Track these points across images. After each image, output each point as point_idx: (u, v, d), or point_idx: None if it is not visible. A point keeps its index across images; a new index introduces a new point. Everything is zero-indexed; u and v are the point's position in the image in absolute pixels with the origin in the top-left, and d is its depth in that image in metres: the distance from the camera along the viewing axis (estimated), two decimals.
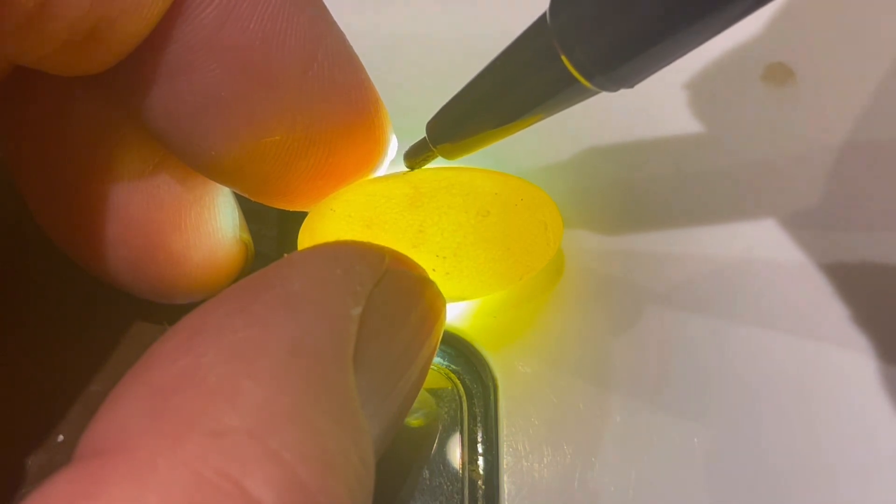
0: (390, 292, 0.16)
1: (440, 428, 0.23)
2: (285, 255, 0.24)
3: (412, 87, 0.27)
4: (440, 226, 0.21)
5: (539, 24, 0.17)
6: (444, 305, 0.19)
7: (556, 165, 0.26)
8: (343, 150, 0.20)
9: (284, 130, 0.19)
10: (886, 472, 0.22)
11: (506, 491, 0.22)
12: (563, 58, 0.16)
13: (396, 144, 0.22)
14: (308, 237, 0.21)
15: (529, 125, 0.19)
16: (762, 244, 0.25)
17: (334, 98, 0.19)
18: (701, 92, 0.27)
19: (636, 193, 0.26)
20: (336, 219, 0.21)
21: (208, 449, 0.12)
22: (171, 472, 0.11)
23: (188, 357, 0.13)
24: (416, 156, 0.21)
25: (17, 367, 0.23)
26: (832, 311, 0.24)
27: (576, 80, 0.17)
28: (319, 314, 0.14)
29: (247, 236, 0.23)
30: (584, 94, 0.17)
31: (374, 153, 0.21)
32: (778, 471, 0.22)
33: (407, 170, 0.22)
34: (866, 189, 0.25)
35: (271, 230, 0.25)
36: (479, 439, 0.23)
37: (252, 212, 0.23)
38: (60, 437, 0.22)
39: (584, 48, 0.16)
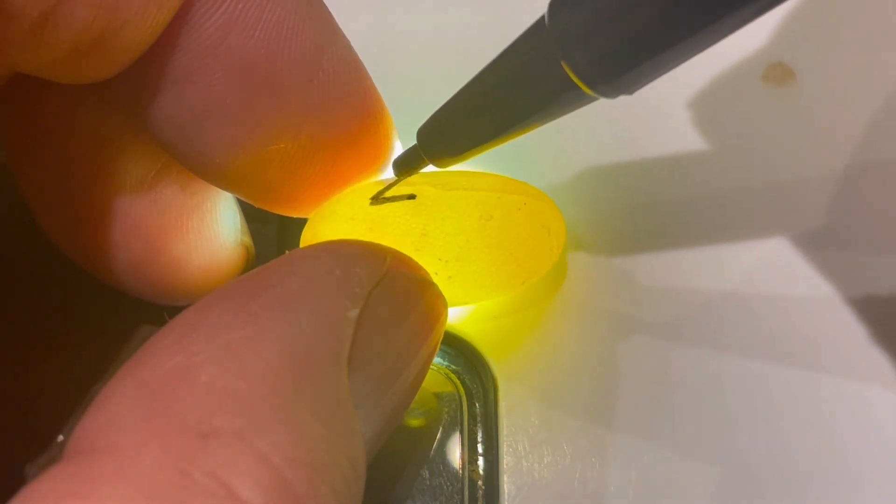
0: (389, 294, 0.16)
1: (440, 428, 0.23)
2: (287, 251, 0.24)
3: (415, 89, 0.27)
4: (443, 229, 0.21)
5: (537, 28, 0.16)
6: (445, 307, 0.19)
7: (560, 169, 0.26)
8: (347, 157, 0.20)
9: (289, 138, 0.19)
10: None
11: (506, 491, 0.22)
12: (563, 63, 0.16)
13: (400, 149, 0.22)
14: (311, 239, 0.21)
15: (525, 133, 0.18)
16: (768, 254, 0.25)
17: (339, 106, 0.19)
18: (701, 92, 0.27)
19: (639, 197, 0.26)
20: (339, 221, 0.21)
21: (197, 449, 0.12)
22: (159, 471, 0.11)
23: (181, 355, 0.13)
24: (406, 165, 0.20)
25: (20, 368, 0.23)
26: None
27: (575, 87, 0.16)
28: (316, 315, 0.15)
29: (248, 239, 0.23)
30: (584, 100, 0.16)
31: (378, 159, 0.21)
32: (778, 470, 0.22)
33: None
34: (870, 200, 0.25)
35: (271, 230, 0.25)
36: (479, 439, 0.23)
37: (252, 211, 0.23)
38: (60, 438, 0.22)
39: (586, 53, 0.15)
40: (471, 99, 0.19)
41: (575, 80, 0.16)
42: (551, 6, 0.16)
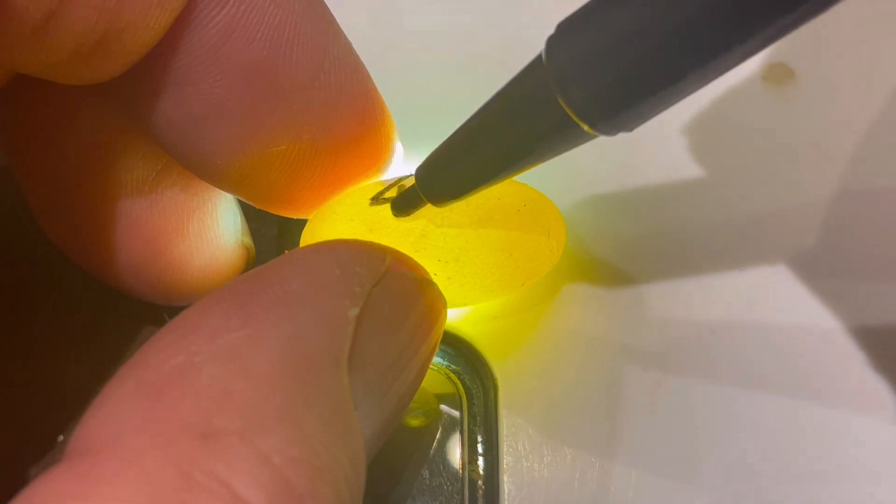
0: (389, 294, 0.16)
1: (440, 428, 0.23)
2: (286, 251, 0.24)
3: (415, 89, 0.27)
4: (442, 230, 0.21)
5: (534, 65, 0.16)
6: (445, 307, 0.19)
7: (560, 171, 0.26)
8: (349, 159, 0.20)
9: (290, 140, 0.19)
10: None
11: (506, 491, 0.22)
12: (561, 101, 0.15)
13: (401, 150, 0.22)
14: (311, 239, 0.21)
15: (526, 171, 0.18)
16: (767, 256, 0.25)
17: (341, 107, 0.19)
18: (701, 92, 0.26)
19: (639, 197, 0.26)
20: (339, 222, 0.21)
21: (198, 450, 0.12)
22: (160, 472, 0.11)
23: (181, 356, 0.13)
24: (405, 206, 0.20)
25: (20, 368, 0.23)
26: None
27: (574, 125, 0.15)
28: (316, 315, 0.15)
29: (248, 240, 0.23)
30: (583, 138, 0.16)
31: (379, 160, 0.21)
32: (777, 471, 0.22)
33: (409, 173, 0.22)
34: (870, 209, 0.25)
35: (271, 230, 0.25)
36: (479, 439, 0.23)
37: (252, 211, 0.23)
38: (60, 438, 0.22)
39: (584, 91, 0.15)
40: (468, 138, 0.18)
41: (574, 117, 0.15)
42: (549, 43, 0.16)
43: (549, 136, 0.16)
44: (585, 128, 0.15)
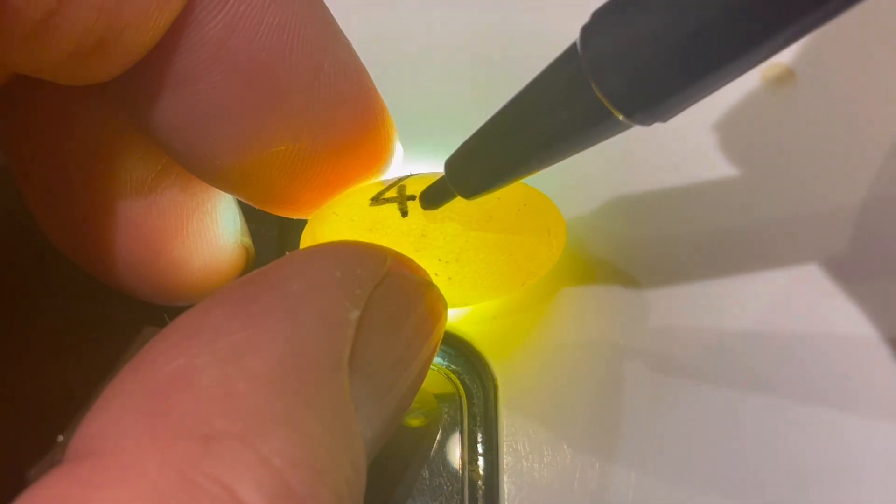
0: (390, 295, 0.16)
1: (440, 428, 0.23)
2: (287, 252, 0.24)
3: (415, 89, 0.27)
4: (443, 230, 0.21)
5: (569, 55, 0.16)
6: (445, 308, 0.19)
7: (560, 170, 0.26)
8: (348, 159, 0.20)
9: (290, 140, 0.19)
10: None
11: (506, 491, 0.22)
12: (597, 91, 0.15)
13: (401, 151, 0.22)
14: (311, 240, 0.21)
15: (558, 162, 0.18)
16: (764, 254, 0.25)
17: (341, 108, 0.19)
18: None
19: (639, 197, 0.26)
20: (339, 222, 0.21)
21: (199, 453, 0.12)
22: (162, 475, 0.11)
23: (182, 358, 0.13)
24: (434, 199, 0.20)
25: (20, 369, 0.23)
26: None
27: (610, 115, 0.15)
28: (317, 318, 0.15)
29: (248, 240, 0.23)
30: (619, 128, 0.16)
31: (379, 161, 0.21)
32: (780, 472, 0.22)
33: (409, 173, 0.22)
34: (871, 205, 0.25)
35: (271, 230, 0.25)
36: (479, 439, 0.23)
37: (252, 212, 0.23)
38: (60, 438, 0.22)
39: (621, 81, 0.15)
40: (498, 129, 0.18)
41: (610, 107, 0.15)
42: (584, 32, 0.15)
43: (584, 126, 0.16)
44: (621, 118, 0.15)
